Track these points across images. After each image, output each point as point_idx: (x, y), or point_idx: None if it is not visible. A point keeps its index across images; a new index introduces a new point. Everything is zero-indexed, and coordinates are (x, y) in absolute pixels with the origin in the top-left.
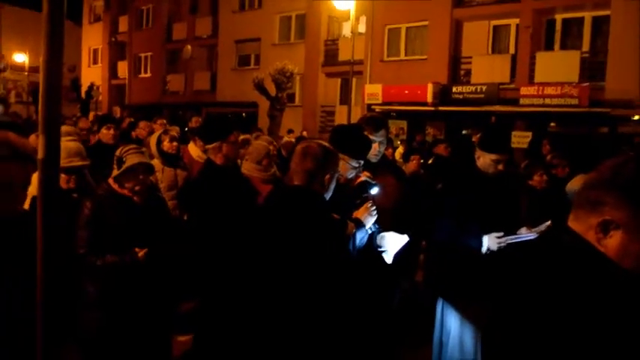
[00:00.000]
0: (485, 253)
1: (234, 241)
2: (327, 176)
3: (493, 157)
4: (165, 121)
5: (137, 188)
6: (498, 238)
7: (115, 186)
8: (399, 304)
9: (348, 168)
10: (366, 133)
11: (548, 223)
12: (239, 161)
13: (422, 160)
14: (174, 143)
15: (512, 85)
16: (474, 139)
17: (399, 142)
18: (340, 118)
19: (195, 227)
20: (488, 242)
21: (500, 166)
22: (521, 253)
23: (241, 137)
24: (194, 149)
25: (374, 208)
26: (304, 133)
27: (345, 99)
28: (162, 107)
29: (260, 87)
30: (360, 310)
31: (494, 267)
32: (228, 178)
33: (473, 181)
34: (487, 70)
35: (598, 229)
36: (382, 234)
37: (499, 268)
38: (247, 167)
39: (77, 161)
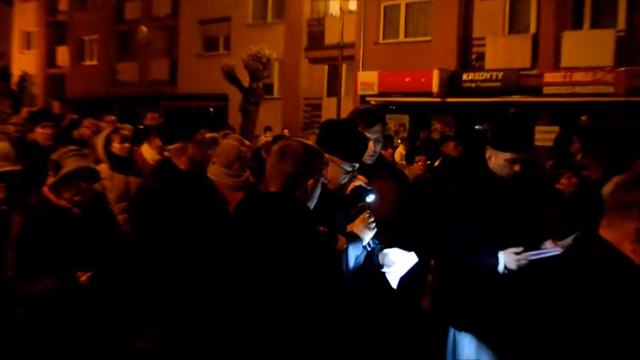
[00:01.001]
0: (503, 272)
1: (198, 262)
2: (311, 181)
3: (507, 156)
4: (114, 118)
5: (77, 198)
6: (517, 254)
7: (52, 196)
8: (406, 335)
9: (340, 172)
10: (359, 129)
11: (578, 234)
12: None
13: (428, 162)
14: (126, 144)
15: (534, 71)
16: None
17: (399, 141)
18: (328, 112)
19: (151, 246)
20: (506, 259)
21: (516, 167)
22: (546, 273)
23: (208, 135)
24: (149, 151)
25: (372, 219)
26: (285, 132)
27: (333, 90)
28: (111, 101)
29: (230, 76)
30: (357, 347)
31: (513, 292)
32: (193, 186)
33: (486, 186)
34: (504, 53)
35: (634, 237)
36: (386, 251)
37: (519, 294)
38: (215, 172)
39: (6, 166)
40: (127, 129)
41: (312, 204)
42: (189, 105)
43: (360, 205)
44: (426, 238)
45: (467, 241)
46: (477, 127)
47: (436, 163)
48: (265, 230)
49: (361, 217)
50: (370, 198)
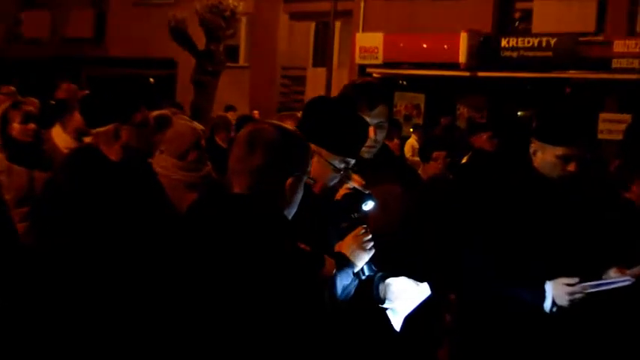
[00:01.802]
0: (551, 311)
1: (130, 294)
2: (290, 180)
3: (558, 151)
4: (14, 89)
5: None
6: (571, 285)
7: None
8: None
9: (328, 170)
10: None
11: None
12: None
13: (450, 158)
14: (31, 125)
15: (599, 38)
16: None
17: (411, 129)
18: (314, 87)
19: (62, 269)
20: (555, 293)
21: (570, 167)
22: (611, 313)
23: (156, 114)
24: (62, 136)
25: (369, 236)
26: (254, 113)
27: (322, 57)
28: (9, 65)
29: (180, 34)
30: None
31: (565, 339)
32: (127, 185)
33: (530, 192)
34: (557, 13)
35: None
36: (388, 281)
37: (574, 340)
38: (163, 164)
39: None
40: (31, 104)
41: (290, 212)
42: (120, 73)
43: (353, 217)
44: (445, 263)
45: (502, 267)
46: (518, 112)
47: (463, 160)
48: (224, 248)
49: (354, 232)
50: (368, 206)
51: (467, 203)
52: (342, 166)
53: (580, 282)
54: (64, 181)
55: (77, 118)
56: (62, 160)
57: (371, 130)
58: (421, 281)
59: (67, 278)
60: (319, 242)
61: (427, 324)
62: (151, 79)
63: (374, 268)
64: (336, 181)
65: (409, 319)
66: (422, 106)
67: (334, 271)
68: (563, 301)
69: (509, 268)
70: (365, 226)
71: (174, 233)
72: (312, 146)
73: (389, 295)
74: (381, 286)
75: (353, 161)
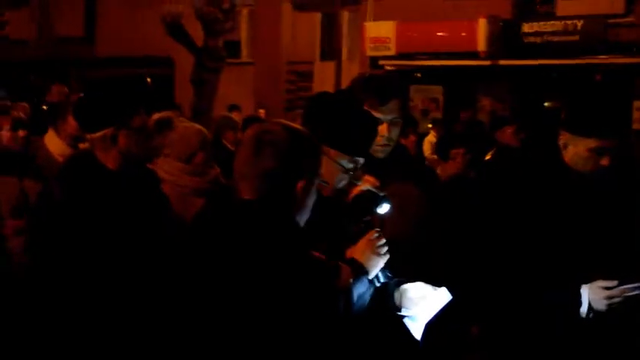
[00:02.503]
0: (587, 316)
1: (132, 310)
2: (301, 183)
3: (590, 144)
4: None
5: None
6: (608, 289)
7: None
8: None
9: (337, 171)
10: (366, 107)
11: None
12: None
13: (470, 155)
14: (21, 132)
15: (629, 19)
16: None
17: (429, 125)
18: (323, 82)
19: (60, 288)
20: (591, 297)
21: (603, 160)
22: None
23: (157, 116)
24: (56, 142)
25: (382, 240)
26: (260, 112)
27: (329, 50)
28: None
29: (176, 30)
30: None
31: (603, 344)
32: (126, 194)
33: (561, 189)
34: None
35: None
36: (405, 286)
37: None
38: (168, 169)
39: None
40: (21, 109)
41: (303, 218)
42: (113, 74)
43: (365, 220)
44: (468, 268)
45: (533, 271)
46: (545, 103)
47: (487, 157)
48: (232, 259)
49: (367, 237)
50: (383, 209)
51: (492, 203)
52: (352, 166)
53: (618, 285)
54: (59, 191)
55: (71, 122)
56: (57, 169)
57: (384, 127)
58: (438, 286)
59: (64, 294)
60: (331, 249)
61: (450, 334)
62: (147, 79)
63: (389, 274)
64: (345, 182)
65: (431, 327)
66: (440, 99)
67: (350, 280)
68: (600, 305)
69: (541, 272)
70: (378, 229)
71: (179, 244)
72: None
73: (405, 302)
74: (396, 293)
75: (362, 161)
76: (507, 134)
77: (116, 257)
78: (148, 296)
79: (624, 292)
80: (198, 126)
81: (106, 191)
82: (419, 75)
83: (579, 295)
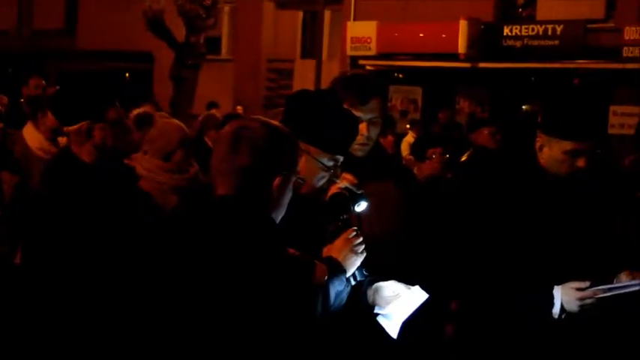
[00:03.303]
0: (559, 317)
1: (110, 307)
2: (278, 180)
3: (566, 146)
4: None
5: None
6: (581, 290)
7: None
8: None
9: (316, 169)
10: (346, 105)
11: None
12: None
13: (447, 156)
14: None
15: (608, 25)
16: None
17: (408, 125)
18: (303, 81)
19: (38, 277)
20: (564, 298)
21: (579, 162)
22: (623, 319)
23: (136, 112)
24: (34, 136)
25: (360, 238)
26: (238, 109)
27: (310, 48)
28: None
29: (157, 25)
30: None
31: (575, 347)
32: (101, 189)
33: (536, 190)
34: None
35: None
36: (378, 285)
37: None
38: (147, 165)
39: None
40: None
41: (278, 214)
42: (94, 68)
43: (343, 218)
44: (444, 267)
45: (506, 271)
46: (523, 106)
47: (463, 158)
48: (207, 254)
49: (344, 235)
50: (360, 207)
51: (468, 204)
52: (331, 164)
53: (591, 286)
54: (39, 185)
55: (51, 116)
56: (35, 162)
57: (363, 126)
58: (412, 285)
59: (47, 297)
60: (308, 246)
61: (426, 334)
62: (126, 75)
63: (365, 272)
64: (324, 180)
65: (408, 327)
66: (419, 100)
67: (326, 278)
68: (572, 306)
69: (514, 273)
70: (355, 227)
71: (155, 239)
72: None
73: (378, 301)
74: (369, 291)
75: (342, 159)
76: (484, 135)
77: (91, 248)
78: (123, 290)
79: (597, 294)
80: (177, 122)
81: (82, 184)
82: (399, 75)
83: (552, 296)
